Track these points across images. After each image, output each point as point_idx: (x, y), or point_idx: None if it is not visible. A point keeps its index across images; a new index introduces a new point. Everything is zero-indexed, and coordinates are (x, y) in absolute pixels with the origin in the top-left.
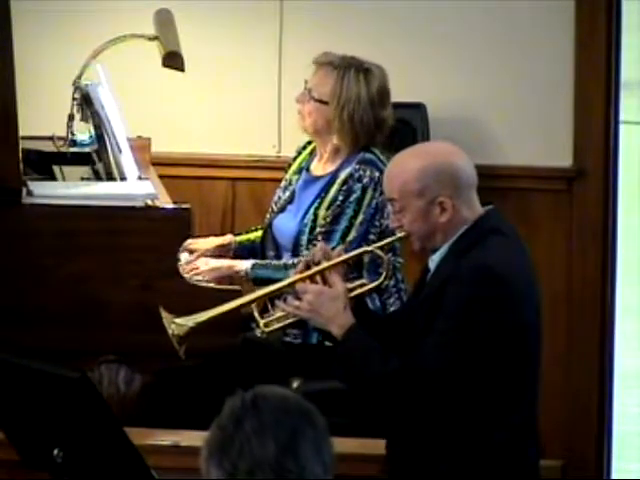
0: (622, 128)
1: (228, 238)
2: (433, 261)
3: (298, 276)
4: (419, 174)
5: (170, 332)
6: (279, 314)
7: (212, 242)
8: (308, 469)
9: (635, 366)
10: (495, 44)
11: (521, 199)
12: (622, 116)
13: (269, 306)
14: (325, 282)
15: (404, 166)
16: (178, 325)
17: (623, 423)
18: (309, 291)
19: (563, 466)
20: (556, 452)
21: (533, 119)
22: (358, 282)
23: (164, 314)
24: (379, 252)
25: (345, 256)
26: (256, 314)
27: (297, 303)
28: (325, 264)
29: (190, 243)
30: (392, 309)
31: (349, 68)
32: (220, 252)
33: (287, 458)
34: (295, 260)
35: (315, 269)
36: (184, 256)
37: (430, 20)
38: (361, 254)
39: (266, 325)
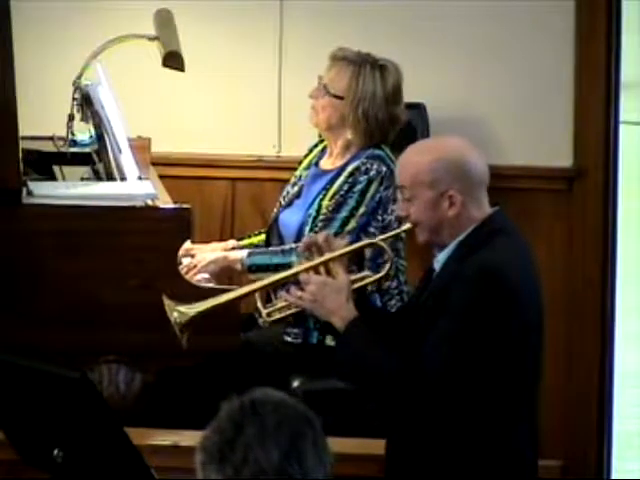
0: (622, 128)
1: (231, 243)
2: (438, 262)
3: (302, 267)
4: (432, 165)
5: (172, 320)
6: (282, 304)
7: (215, 247)
8: (310, 472)
9: (635, 366)
10: (495, 44)
11: (521, 199)
12: (622, 116)
13: (272, 296)
14: (328, 273)
15: (419, 156)
16: (180, 313)
17: (623, 423)
18: (312, 282)
19: (563, 466)
20: (556, 452)
21: (533, 119)
22: (361, 274)
23: (166, 301)
24: (383, 245)
25: (349, 248)
26: (259, 304)
27: (300, 293)
28: (329, 255)
29: (193, 249)
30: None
31: (365, 64)
32: None
33: (291, 463)
34: (293, 245)
35: (319, 260)
36: (187, 260)
37: (430, 20)
38: (366, 246)
39: (269, 315)
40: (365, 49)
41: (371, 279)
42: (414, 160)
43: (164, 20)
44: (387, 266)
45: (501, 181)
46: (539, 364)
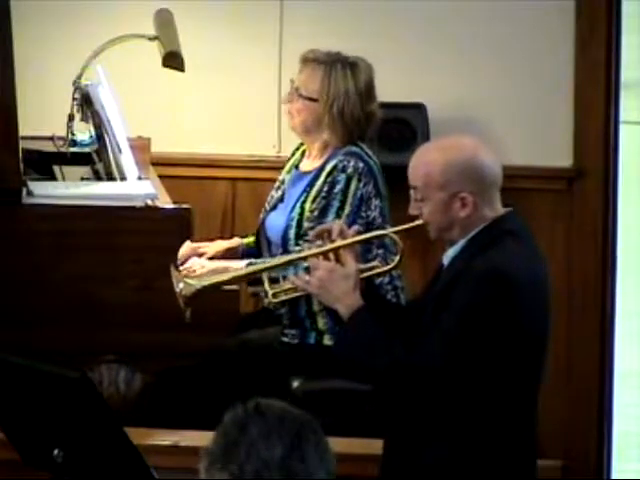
0: (622, 128)
1: (236, 241)
2: (447, 257)
3: (312, 251)
4: (445, 167)
5: (178, 291)
6: (288, 286)
7: (220, 245)
8: (313, 472)
9: (635, 366)
10: (495, 44)
11: (521, 199)
12: (622, 116)
13: (280, 279)
14: (338, 260)
15: (431, 157)
16: (187, 284)
17: (623, 423)
18: (321, 267)
19: (563, 466)
20: (556, 452)
21: (533, 119)
22: (371, 264)
23: (174, 273)
24: (394, 236)
25: (361, 237)
26: (266, 284)
27: (307, 278)
28: (340, 242)
29: (199, 247)
30: None
31: (335, 63)
32: (229, 255)
33: (294, 459)
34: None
35: (329, 246)
36: (194, 261)
37: (430, 20)
38: (376, 237)
39: (274, 295)
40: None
41: (380, 270)
42: (426, 161)
43: (164, 20)
44: (397, 258)
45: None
46: (541, 366)
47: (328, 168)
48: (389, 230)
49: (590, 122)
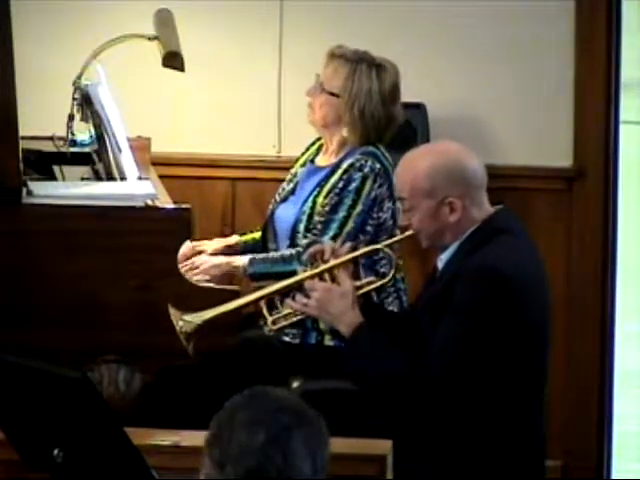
0: (622, 128)
1: (234, 239)
2: (441, 260)
3: (307, 274)
4: (429, 173)
5: (178, 329)
6: (287, 311)
7: (219, 243)
8: (294, 466)
9: (635, 366)
10: (495, 44)
11: (521, 199)
12: (622, 116)
13: (278, 303)
14: (334, 280)
15: (415, 165)
16: (186, 322)
17: (623, 423)
18: (317, 289)
19: (563, 466)
20: (556, 452)
21: (533, 119)
22: (366, 280)
23: (172, 311)
24: (388, 250)
25: (353, 254)
26: (265, 311)
27: (305, 300)
28: (334, 262)
29: (198, 245)
30: (390, 308)
31: (361, 63)
32: (228, 252)
33: (275, 449)
34: (293, 251)
35: (324, 267)
36: (197, 257)
37: (430, 20)
38: (370, 252)
39: (274, 322)
40: (365, 49)
41: (376, 284)
42: (411, 169)
43: (164, 20)
44: (392, 271)
45: (501, 181)
46: (544, 363)
47: (344, 166)
48: (382, 244)
49: (590, 122)
